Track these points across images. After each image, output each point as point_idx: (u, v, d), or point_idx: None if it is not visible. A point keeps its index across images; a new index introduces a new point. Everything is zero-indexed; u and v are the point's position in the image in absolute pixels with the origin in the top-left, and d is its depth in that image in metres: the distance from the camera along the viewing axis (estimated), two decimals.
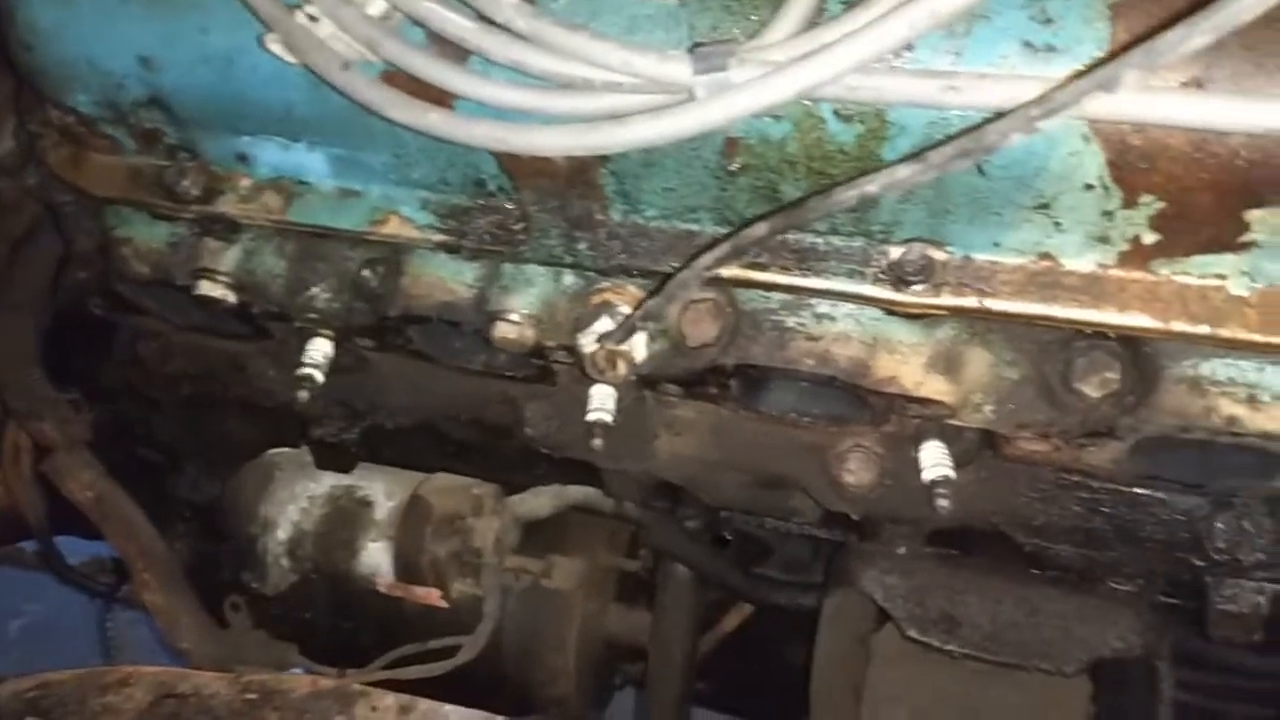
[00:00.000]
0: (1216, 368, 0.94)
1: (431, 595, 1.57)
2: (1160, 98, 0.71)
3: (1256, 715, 1.47)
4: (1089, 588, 1.29)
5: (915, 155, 0.70)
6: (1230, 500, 1.05)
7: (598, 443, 1.16)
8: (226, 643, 1.57)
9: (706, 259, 0.83)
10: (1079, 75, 0.70)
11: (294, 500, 1.63)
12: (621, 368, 1.03)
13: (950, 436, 1.10)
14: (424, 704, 1.27)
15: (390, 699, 1.26)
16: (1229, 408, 0.93)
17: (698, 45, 0.78)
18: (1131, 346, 0.96)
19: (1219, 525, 1.05)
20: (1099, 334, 0.96)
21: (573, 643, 1.65)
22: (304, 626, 1.62)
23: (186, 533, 1.68)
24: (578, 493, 1.61)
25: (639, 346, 1.04)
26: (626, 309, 1.06)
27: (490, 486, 1.58)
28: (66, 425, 1.52)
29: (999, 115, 0.70)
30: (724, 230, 1.01)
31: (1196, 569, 1.11)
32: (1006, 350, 1.02)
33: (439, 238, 1.08)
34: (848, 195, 0.73)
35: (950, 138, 0.69)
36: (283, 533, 1.61)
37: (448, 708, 1.22)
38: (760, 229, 0.79)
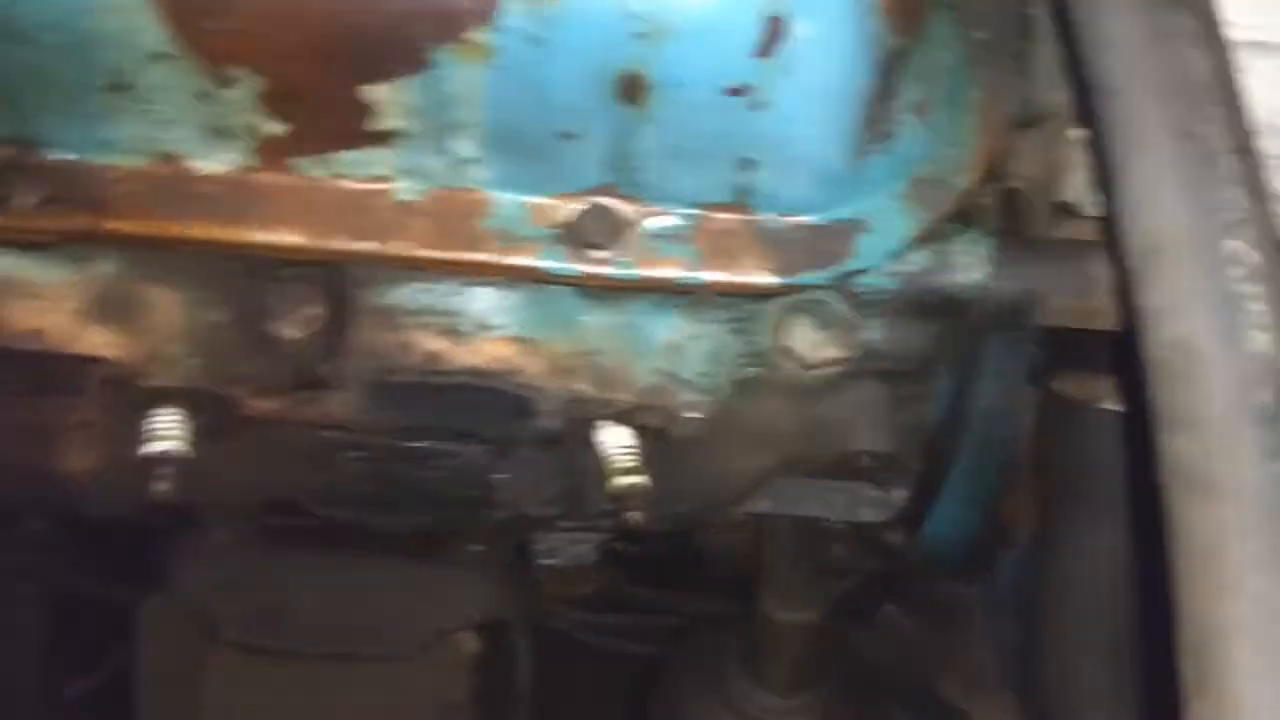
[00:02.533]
0: (410, 294, 0.77)
1: None
2: None
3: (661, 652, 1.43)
4: (437, 554, 1.15)
5: None
6: (509, 446, 0.91)
7: None
8: None
9: None
10: None
11: None
12: None
13: (196, 401, 0.87)
14: None
15: None
16: (428, 342, 0.77)
17: None
18: (334, 274, 0.78)
19: (498, 475, 0.92)
20: (300, 260, 0.77)
21: None
22: None
23: None
24: None
25: None
26: None
27: None
28: None
29: None
30: None
31: (504, 525, 0.98)
32: (196, 287, 0.80)
33: None
34: None
35: None
36: None
37: None
38: None
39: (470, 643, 1.20)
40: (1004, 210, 0.80)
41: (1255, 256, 0.57)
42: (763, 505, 0.97)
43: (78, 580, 1.43)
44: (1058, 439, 1.22)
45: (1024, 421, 1.30)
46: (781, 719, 1.07)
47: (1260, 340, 0.55)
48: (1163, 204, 0.58)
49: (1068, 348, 1.19)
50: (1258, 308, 0.56)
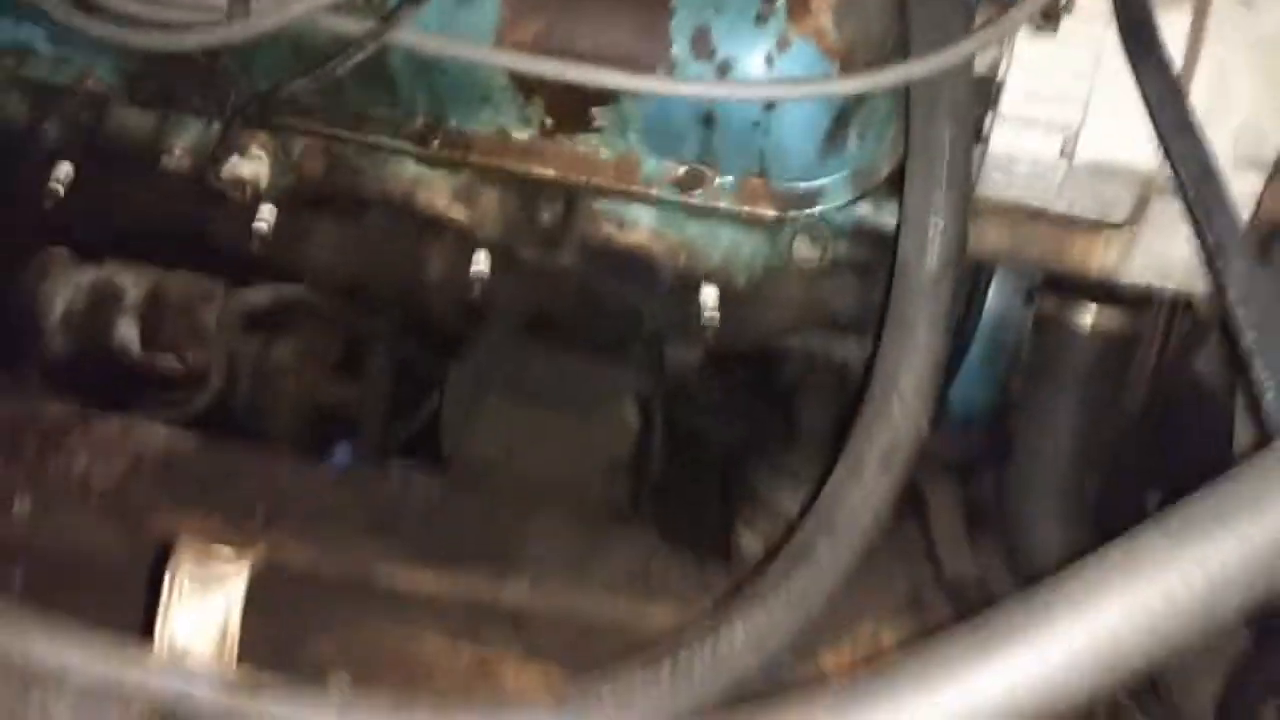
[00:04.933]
0: (603, 206, 1.53)
1: (170, 361, 2.11)
2: None
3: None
4: (615, 353, 1.94)
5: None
6: (650, 293, 1.66)
7: (256, 246, 1.68)
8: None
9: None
10: None
11: (65, 287, 2.12)
12: (247, 191, 1.56)
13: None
14: (142, 423, 1.74)
15: (114, 422, 1.71)
16: (608, 229, 1.53)
17: None
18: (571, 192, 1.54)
19: (643, 308, 1.67)
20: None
21: (286, 404, 2.22)
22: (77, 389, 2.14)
23: None
24: (291, 290, 2.15)
25: (260, 176, 1.57)
26: (259, 150, 1.58)
27: (220, 282, 2.11)
28: None
29: None
30: None
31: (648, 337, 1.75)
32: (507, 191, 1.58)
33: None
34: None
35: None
36: (58, 312, 2.11)
37: (158, 425, 1.73)
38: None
39: (632, 408, 2.01)
40: None
41: None
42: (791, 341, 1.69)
43: (405, 349, 2.33)
44: (1040, 343, 1.81)
45: (1024, 329, 1.89)
46: None
47: None
48: None
49: (1054, 283, 1.76)
50: None
